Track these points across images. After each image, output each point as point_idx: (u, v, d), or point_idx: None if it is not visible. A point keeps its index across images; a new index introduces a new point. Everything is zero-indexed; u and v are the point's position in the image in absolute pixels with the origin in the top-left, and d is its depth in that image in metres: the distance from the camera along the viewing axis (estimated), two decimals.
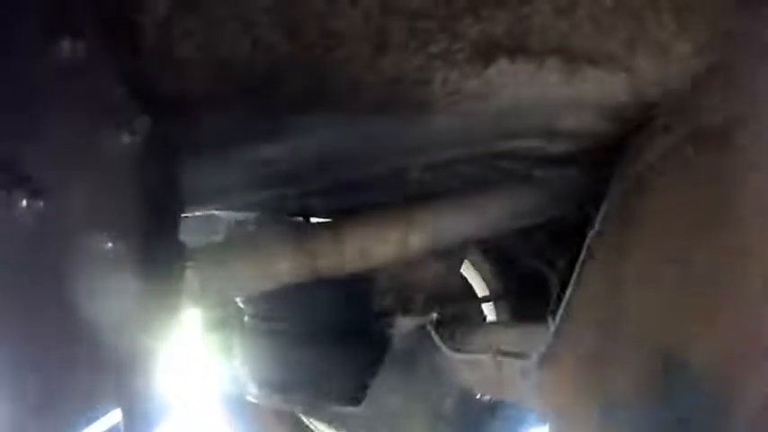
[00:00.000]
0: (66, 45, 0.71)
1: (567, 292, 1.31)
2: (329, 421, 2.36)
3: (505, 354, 1.70)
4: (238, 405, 2.57)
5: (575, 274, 1.29)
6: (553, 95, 1.17)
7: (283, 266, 1.54)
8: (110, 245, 0.81)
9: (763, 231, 0.98)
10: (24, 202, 0.61)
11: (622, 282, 1.19)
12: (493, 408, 2.32)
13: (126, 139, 0.86)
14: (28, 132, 0.65)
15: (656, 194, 1.16)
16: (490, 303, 2.59)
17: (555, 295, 1.65)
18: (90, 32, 0.77)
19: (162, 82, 0.97)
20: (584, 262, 1.28)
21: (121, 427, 0.81)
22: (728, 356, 0.96)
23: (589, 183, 1.42)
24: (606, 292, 1.23)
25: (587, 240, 1.28)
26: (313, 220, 1.86)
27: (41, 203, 0.63)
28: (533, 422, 2.42)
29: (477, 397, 2.27)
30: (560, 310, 1.33)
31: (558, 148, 1.37)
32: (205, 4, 0.90)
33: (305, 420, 2.64)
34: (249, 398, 2.24)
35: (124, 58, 0.87)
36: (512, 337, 1.80)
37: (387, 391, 2.17)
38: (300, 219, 1.86)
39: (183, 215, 1.17)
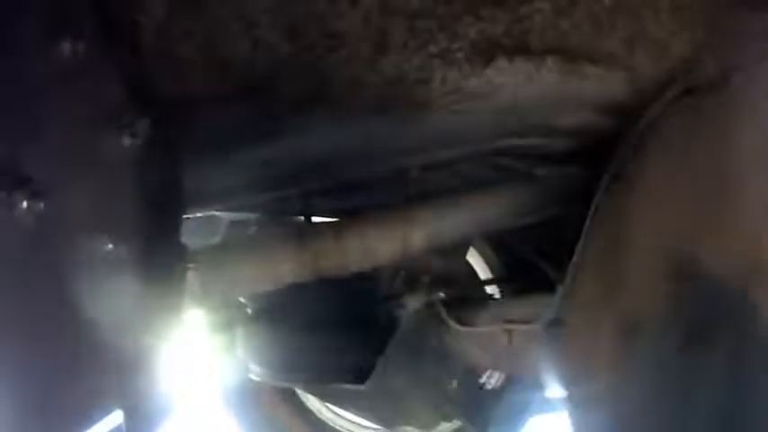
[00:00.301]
0: (66, 46, 0.71)
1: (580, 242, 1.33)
2: (331, 399, 2.38)
3: (515, 322, 1.71)
4: (241, 402, 2.57)
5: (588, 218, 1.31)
6: (552, 94, 1.17)
7: (285, 267, 1.54)
8: (111, 246, 0.81)
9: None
10: (25, 204, 0.61)
11: (632, 207, 1.20)
12: (499, 392, 2.33)
13: (126, 140, 0.86)
14: (28, 134, 0.64)
15: (657, 158, 1.17)
16: (495, 287, 2.60)
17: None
18: (90, 33, 0.77)
19: (162, 83, 0.97)
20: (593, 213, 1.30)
21: (124, 428, 0.81)
22: (743, 263, 0.94)
23: (590, 180, 1.42)
24: (617, 219, 1.24)
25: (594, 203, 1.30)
26: (314, 219, 1.86)
27: (42, 205, 0.63)
28: (539, 408, 2.43)
29: (483, 381, 2.28)
30: (573, 259, 1.34)
31: (558, 146, 1.38)
32: (205, 4, 0.91)
33: (309, 407, 2.65)
34: (252, 377, 2.23)
35: (124, 58, 0.87)
36: (521, 308, 1.82)
37: (392, 372, 2.17)
38: (302, 219, 1.86)
39: (184, 216, 1.17)
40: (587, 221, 1.30)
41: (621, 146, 1.25)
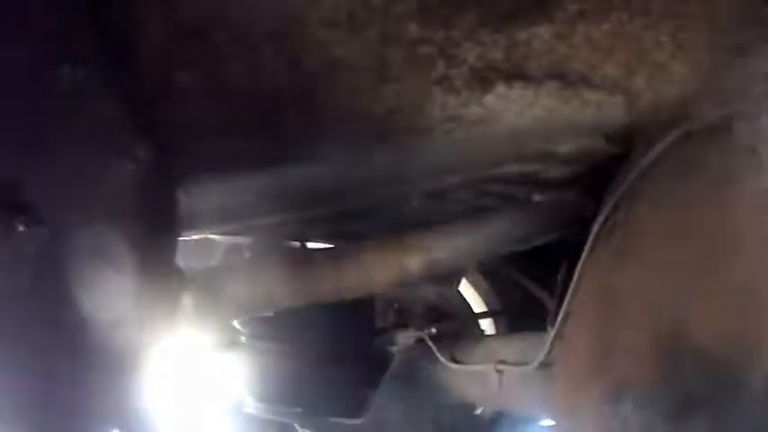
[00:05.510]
0: (66, 72, 0.71)
1: (570, 287, 1.31)
2: None
3: (506, 363, 1.70)
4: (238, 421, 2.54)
5: (578, 264, 1.29)
6: (552, 120, 1.17)
7: (281, 292, 1.53)
8: (110, 270, 0.81)
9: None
10: (25, 229, 0.61)
11: (624, 267, 1.18)
12: (493, 422, 2.31)
13: (127, 165, 0.87)
14: (29, 159, 0.64)
15: (651, 200, 1.16)
16: (488, 319, 2.58)
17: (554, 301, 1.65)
18: (91, 59, 0.77)
19: (163, 108, 0.97)
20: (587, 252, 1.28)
21: None
22: (732, 334, 0.93)
23: (588, 204, 1.42)
24: (607, 278, 1.22)
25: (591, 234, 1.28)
26: (312, 245, 1.85)
27: (42, 230, 0.63)
28: None
29: (478, 412, 2.26)
30: (564, 303, 1.32)
31: (556, 171, 1.37)
32: (206, 31, 0.91)
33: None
34: (248, 410, 2.21)
35: (125, 84, 0.88)
36: (512, 347, 1.80)
37: (387, 405, 2.15)
38: (299, 244, 1.86)
39: (181, 239, 1.17)
40: (578, 266, 1.29)
41: (613, 192, 1.24)
